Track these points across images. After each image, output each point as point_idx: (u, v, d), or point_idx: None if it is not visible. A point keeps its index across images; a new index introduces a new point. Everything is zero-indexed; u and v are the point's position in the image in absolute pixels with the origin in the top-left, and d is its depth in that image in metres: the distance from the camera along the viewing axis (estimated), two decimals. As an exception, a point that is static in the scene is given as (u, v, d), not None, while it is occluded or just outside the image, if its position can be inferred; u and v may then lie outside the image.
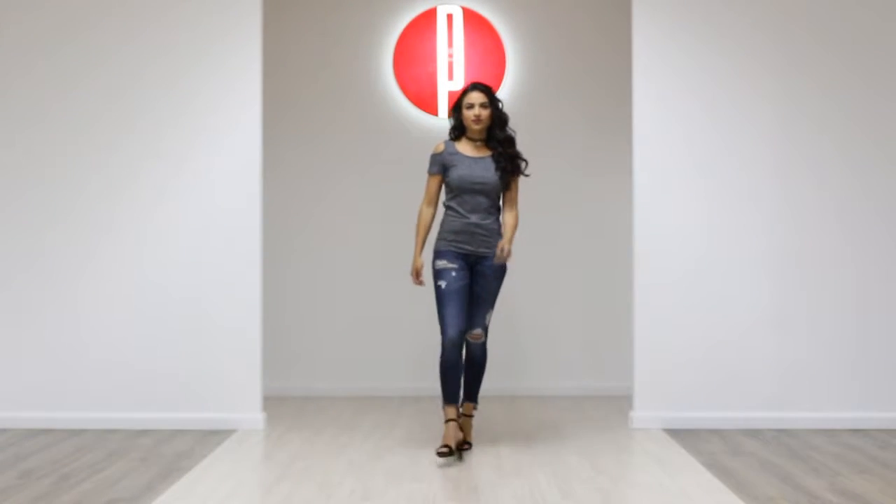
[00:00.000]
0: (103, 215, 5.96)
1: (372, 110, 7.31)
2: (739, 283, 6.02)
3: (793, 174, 6.04)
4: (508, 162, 5.31)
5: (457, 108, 5.37)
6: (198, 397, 5.95)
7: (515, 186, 5.38)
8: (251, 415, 5.95)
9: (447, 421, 5.15)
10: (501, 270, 5.34)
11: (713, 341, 5.99)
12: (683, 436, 5.71)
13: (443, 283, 5.21)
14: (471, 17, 7.31)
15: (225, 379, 5.95)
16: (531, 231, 7.26)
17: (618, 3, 6.93)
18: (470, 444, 5.34)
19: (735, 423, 5.93)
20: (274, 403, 6.54)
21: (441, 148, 5.36)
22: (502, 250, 5.20)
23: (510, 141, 5.36)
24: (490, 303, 5.34)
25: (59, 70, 6.02)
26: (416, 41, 7.28)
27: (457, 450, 5.09)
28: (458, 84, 7.23)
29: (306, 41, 7.34)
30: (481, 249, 5.28)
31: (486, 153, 5.35)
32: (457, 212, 5.29)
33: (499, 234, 5.32)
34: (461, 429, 5.23)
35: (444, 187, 5.37)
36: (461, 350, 5.21)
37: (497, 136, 5.34)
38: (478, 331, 5.32)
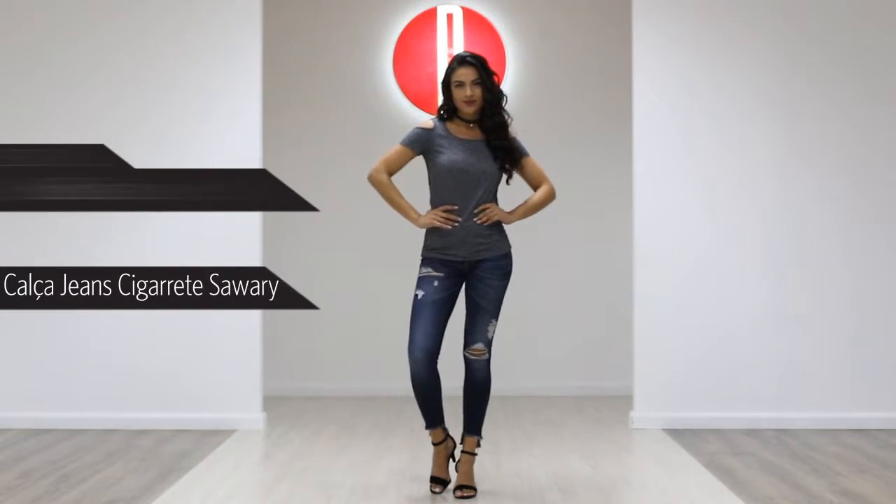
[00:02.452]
0: (103, 214, 5.95)
1: (372, 110, 7.30)
2: (739, 283, 6.01)
3: (792, 175, 6.03)
4: (504, 154, 4.43)
5: (445, 87, 4.43)
6: (198, 397, 5.95)
7: (532, 165, 4.52)
8: (251, 415, 5.95)
9: (436, 444, 4.51)
10: (503, 272, 4.46)
11: (713, 341, 5.99)
12: (683, 436, 5.71)
13: (419, 293, 4.37)
14: (471, 17, 7.30)
15: (225, 379, 5.95)
16: (531, 230, 7.26)
17: (618, 2, 6.93)
18: (475, 490, 4.41)
19: (735, 423, 5.93)
20: (274, 403, 6.53)
21: (430, 125, 4.43)
22: (489, 211, 4.40)
23: (502, 128, 4.43)
24: (492, 312, 4.41)
25: (62, 70, 6.02)
26: (416, 41, 7.27)
27: (455, 456, 4.54)
28: (458, 84, 7.22)
29: (306, 41, 7.33)
30: (476, 254, 4.41)
31: (482, 136, 4.44)
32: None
33: (500, 233, 4.49)
34: (454, 462, 4.54)
35: (431, 177, 4.47)
36: (432, 369, 4.35)
37: (485, 123, 4.41)
38: (478, 346, 4.40)
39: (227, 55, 6.01)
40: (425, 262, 4.44)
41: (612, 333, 7.16)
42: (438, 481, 4.47)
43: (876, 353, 6.00)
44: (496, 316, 4.45)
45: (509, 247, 4.52)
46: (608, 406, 6.71)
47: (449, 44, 7.24)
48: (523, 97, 7.29)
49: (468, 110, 4.39)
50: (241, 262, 5.85)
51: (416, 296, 4.40)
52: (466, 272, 4.44)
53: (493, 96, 4.39)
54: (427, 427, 4.50)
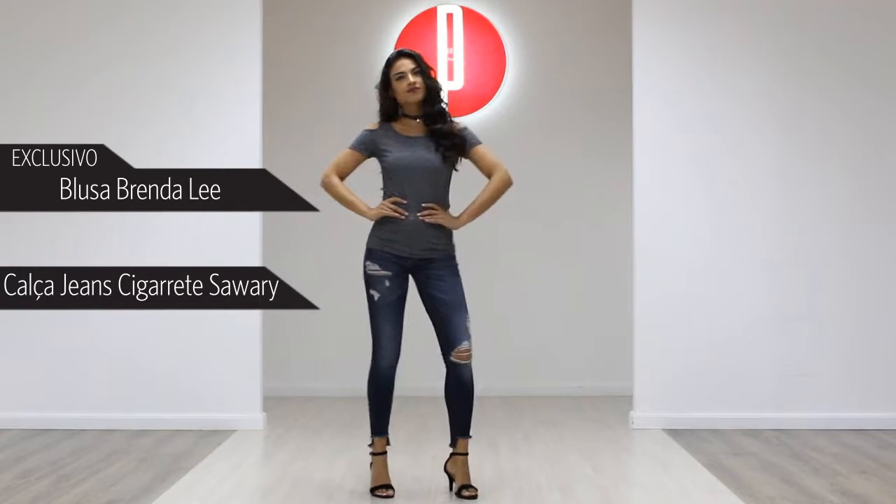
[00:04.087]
0: (103, 215, 5.94)
1: (372, 110, 7.25)
2: (740, 283, 6.01)
3: (793, 174, 6.03)
4: (444, 138, 4.37)
5: (384, 86, 4.46)
6: (198, 397, 5.95)
7: (483, 154, 4.42)
8: (251, 415, 5.95)
9: (376, 455, 4.45)
10: (454, 269, 4.42)
11: (713, 341, 5.99)
12: (683, 436, 5.71)
13: (376, 294, 4.36)
14: (471, 17, 7.30)
15: (225, 379, 5.95)
16: (531, 229, 7.26)
17: (618, 2, 6.93)
18: (475, 489, 4.38)
19: (735, 423, 5.92)
20: (274, 403, 6.53)
21: (375, 126, 4.49)
22: (435, 212, 4.36)
23: (442, 114, 4.41)
24: (464, 306, 4.37)
25: (62, 71, 6.02)
26: (416, 41, 7.27)
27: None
28: (458, 84, 7.24)
29: (306, 41, 7.33)
30: (423, 252, 4.37)
31: (424, 132, 4.43)
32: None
33: (448, 237, 4.43)
34: (447, 470, 4.50)
35: (382, 177, 4.48)
36: (394, 376, 4.43)
37: (428, 111, 4.39)
38: (465, 345, 4.34)
39: (227, 55, 6.01)
40: (372, 254, 4.41)
41: (612, 333, 7.15)
42: (388, 487, 4.41)
43: (876, 353, 6.00)
44: (467, 311, 4.39)
45: (454, 247, 4.47)
46: (608, 406, 6.71)
47: (449, 43, 7.24)
48: (523, 97, 7.29)
49: (413, 99, 4.38)
50: (241, 262, 5.85)
51: (371, 296, 4.39)
52: (411, 271, 4.41)
53: (433, 84, 4.41)
54: (376, 434, 4.46)
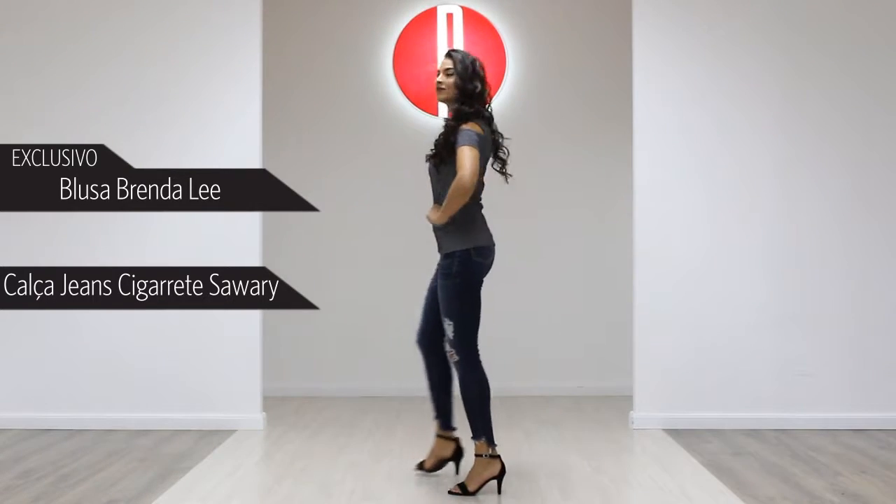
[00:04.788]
0: (103, 215, 5.94)
1: (372, 110, 7.30)
2: (739, 283, 6.02)
3: (792, 175, 6.04)
4: (438, 139, 4.46)
5: None
6: (198, 397, 5.95)
7: (456, 158, 4.29)
8: (251, 415, 5.95)
9: (435, 435, 4.73)
10: (443, 272, 4.43)
11: (713, 341, 5.99)
12: (683, 436, 5.71)
13: None
14: (471, 17, 7.30)
15: (225, 379, 5.96)
16: (531, 229, 7.26)
17: (618, 2, 6.93)
18: (464, 492, 4.41)
19: (735, 423, 5.93)
20: (274, 403, 6.53)
21: None
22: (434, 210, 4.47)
23: (456, 114, 4.42)
24: (443, 311, 4.43)
25: (61, 70, 6.02)
26: (416, 41, 7.27)
27: (442, 463, 4.71)
28: (458, 84, 7.23)
29: (306, 41, 7.33)
30: (439, 251, 4.55)
31: None
32: None
33: (446, 233, 4.44)
34: (455, 466, 4.70)
35: None
36: (428, 354, 4.66)
37: (454, 113, 4.45)
38: (446, 346, 4.51)
39: (226, 55, 6.01)
40: None
41: (613, 333, 7.15)
42: (420, 464, 4.75)
43: (876, 353, 6.00)
44: (449, 316, 4.41)
45: (454, 248, 4.42)
46: (608, 406, 6.71)
47: (449, 43, 7.24)
48: (523, 97, 7.29)
49: (438, 98, 4.51)
50: (241, 262, 5.86)
51: None
52: None
53: (464, 87, 4.42)
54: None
